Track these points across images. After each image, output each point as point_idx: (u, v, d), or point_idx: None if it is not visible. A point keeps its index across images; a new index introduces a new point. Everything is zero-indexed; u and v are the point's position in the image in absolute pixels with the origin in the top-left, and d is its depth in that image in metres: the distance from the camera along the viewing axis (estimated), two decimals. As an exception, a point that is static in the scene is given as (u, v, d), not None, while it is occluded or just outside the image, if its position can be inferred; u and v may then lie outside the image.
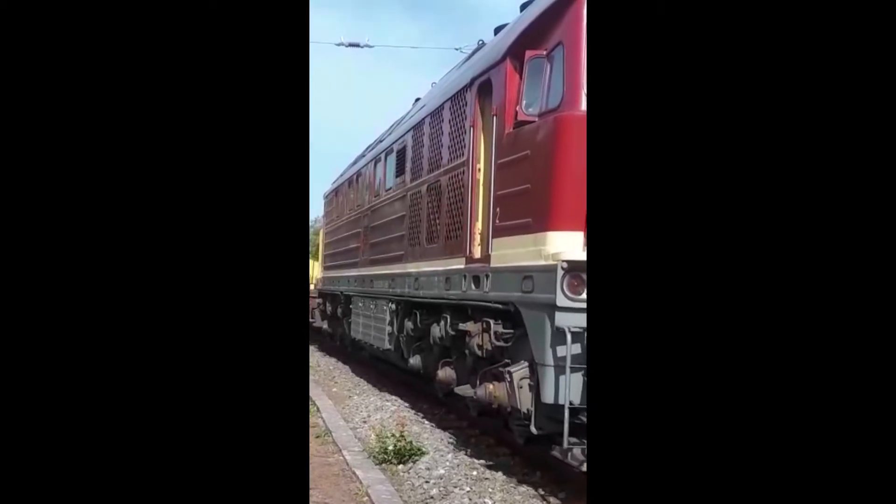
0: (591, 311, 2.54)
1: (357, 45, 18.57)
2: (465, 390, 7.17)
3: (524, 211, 6.04)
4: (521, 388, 5.99)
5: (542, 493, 6.07)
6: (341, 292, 14.01)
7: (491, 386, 6.58)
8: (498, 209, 6.57)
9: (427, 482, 6.36)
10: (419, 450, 7.18)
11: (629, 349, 2.40)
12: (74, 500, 2.29)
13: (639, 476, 2.37)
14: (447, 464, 6.85)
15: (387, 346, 10.09)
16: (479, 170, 7.26)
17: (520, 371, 6.03)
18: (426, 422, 8.98)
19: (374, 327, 10.82)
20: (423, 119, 9.15)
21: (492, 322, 6.48)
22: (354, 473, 6.55)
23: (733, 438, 2.33)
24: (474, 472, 6.60)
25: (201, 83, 2.39)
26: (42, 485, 2.28)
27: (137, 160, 2.35)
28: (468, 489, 6.15)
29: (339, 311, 14.38)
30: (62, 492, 2.29)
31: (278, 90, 2.44)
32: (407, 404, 10.27)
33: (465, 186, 7.42)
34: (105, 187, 2.34)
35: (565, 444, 5.29)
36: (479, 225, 7.22)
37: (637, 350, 2.39)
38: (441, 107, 8.42)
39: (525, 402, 5.97)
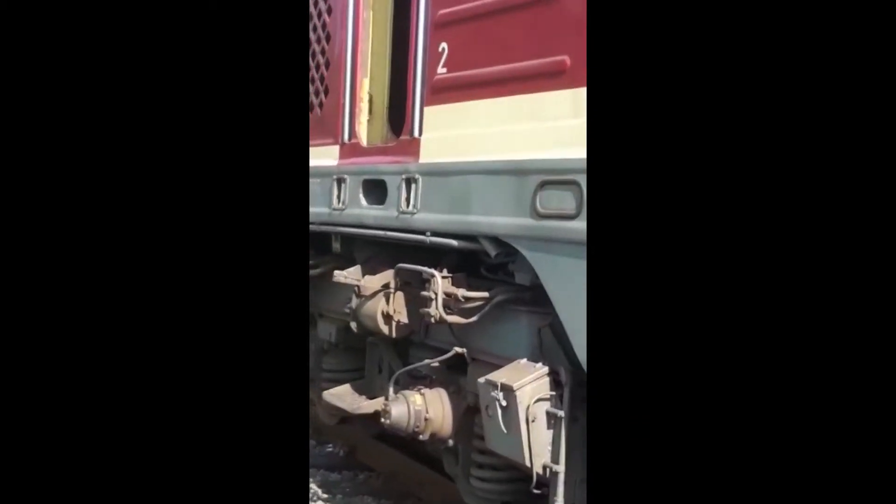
0: (593, 294, 1.96)
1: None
2: (345, 398, 3.77)
3: (546, 43, 2.79)
4: (533, 420, 2.82)
5: None
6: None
7: (419, 398, 3.34)
8: (445, 45, 3.23)
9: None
10: None
11: (640, 339, 2.06)
12: (71, 498, 2.16)
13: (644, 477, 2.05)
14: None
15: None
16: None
17: (532, 384, 2.84)
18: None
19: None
20: None
21: (437, 274, 3.18)
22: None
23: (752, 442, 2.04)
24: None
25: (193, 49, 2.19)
26: (40, 484, 2.15)
27: (123, 135, 2.20)
28: None
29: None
30: (59, 490, 2.15)
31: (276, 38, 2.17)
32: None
33: (336, 9, 3.93)
34: (98, 157, 2.19)
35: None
36: (366, 83, 3.81)
37: (648, 342, 2.07)
38: None
39: (540, 451, 2.82)
